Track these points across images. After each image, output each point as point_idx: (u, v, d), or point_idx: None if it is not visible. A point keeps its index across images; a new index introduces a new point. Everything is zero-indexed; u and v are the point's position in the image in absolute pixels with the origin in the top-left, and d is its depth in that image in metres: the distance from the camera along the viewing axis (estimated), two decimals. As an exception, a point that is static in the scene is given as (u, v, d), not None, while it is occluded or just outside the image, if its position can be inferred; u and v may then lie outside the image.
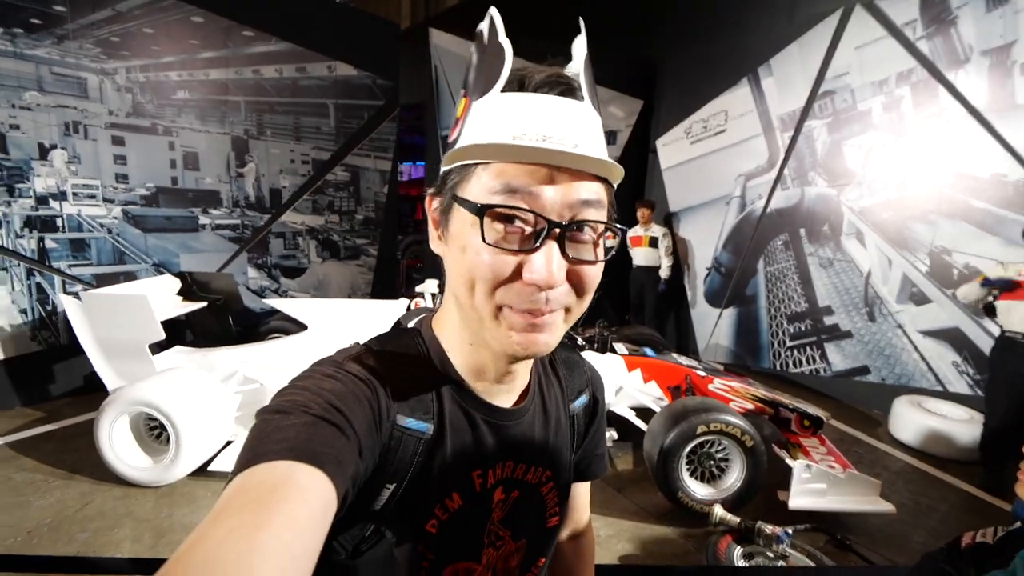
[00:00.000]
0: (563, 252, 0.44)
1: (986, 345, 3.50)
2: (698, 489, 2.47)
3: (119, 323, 2.73)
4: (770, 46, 4.70)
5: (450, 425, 0.52)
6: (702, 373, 3.05)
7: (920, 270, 3.84)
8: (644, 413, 2.85)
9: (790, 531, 1.89)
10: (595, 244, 0.47)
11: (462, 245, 0.46)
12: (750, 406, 2.95)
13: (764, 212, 4.92)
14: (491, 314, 0.46)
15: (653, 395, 3.00)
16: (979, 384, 3.58)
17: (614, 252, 0.49)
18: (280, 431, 0.39)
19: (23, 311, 3.26)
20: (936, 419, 3.38)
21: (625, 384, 2.95)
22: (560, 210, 0.44)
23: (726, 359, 5.30)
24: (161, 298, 3.18)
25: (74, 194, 3.32)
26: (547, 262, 0.43)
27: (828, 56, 4.31)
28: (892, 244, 3.99)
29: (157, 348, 2.85)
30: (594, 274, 0.48)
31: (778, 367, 4.84)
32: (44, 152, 3.20)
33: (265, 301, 3.96)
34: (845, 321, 4.34)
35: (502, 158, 0.43)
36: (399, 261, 7.33)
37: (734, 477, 2.48)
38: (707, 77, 5.38)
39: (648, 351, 3.24)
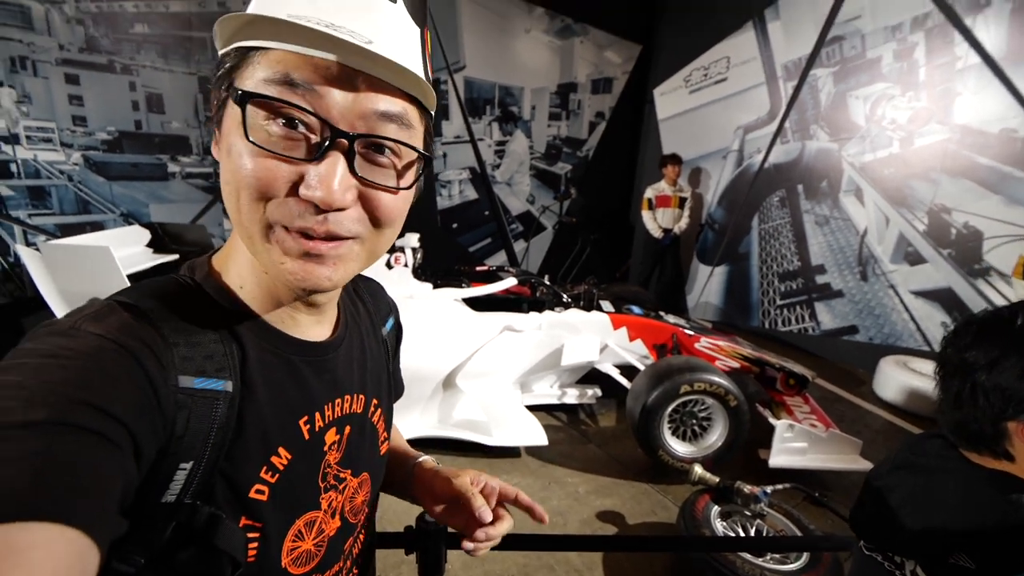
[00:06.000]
0: (352, 170, 0.38)
1: (977, 306, 3.46)
2: (679, 447, 2.46)
3: (82, 275, 2.59)
4: (779, -14, 4.39)
5: (259, 374, 0.44)
6: (689, 332, 3.00)
7: (917, 229, 3.74)
8: (629, 371, 2.82)
9: (768, 491, 1.87)
10: (397, 171, 0.41)
11: (229, 145, 0.38)
12: (736, 364, 2.92)
13: (762, 167, 4.76)
14: (260, 233, 0.39)
15: (638, 353, 2.96)
16: (966, 345, 3.56)
17: (420, 184, 0.44)
18: None
19: (-16, 263, 3.12)
20: (920, 378, 3.38)
21: (610, 342, 2.90)
22: (351, 119, 0.37)
23: (715, 317, 5.28)
24: (128, 250, 3.03)
25: (27, 137, 3.09)
26: (328, 176, 0.36)
27: (840, -2, 4.03)
28: (891, 202, 3.88)
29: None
30: (393, 204, 0.41)
31: (767, 326, 4.82)
32: (-10, 90, 2.96)
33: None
34: (837, 280, 4.28)
35: (272, 37, 0.36)
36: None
37: (716, 436, 2.47)
38: (710, 20, 5.06)
39: (635, 309, 3.17)
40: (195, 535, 0.39)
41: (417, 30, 0.41)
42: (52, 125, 3.18)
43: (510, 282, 2.90)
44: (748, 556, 1.60)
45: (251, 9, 0.37)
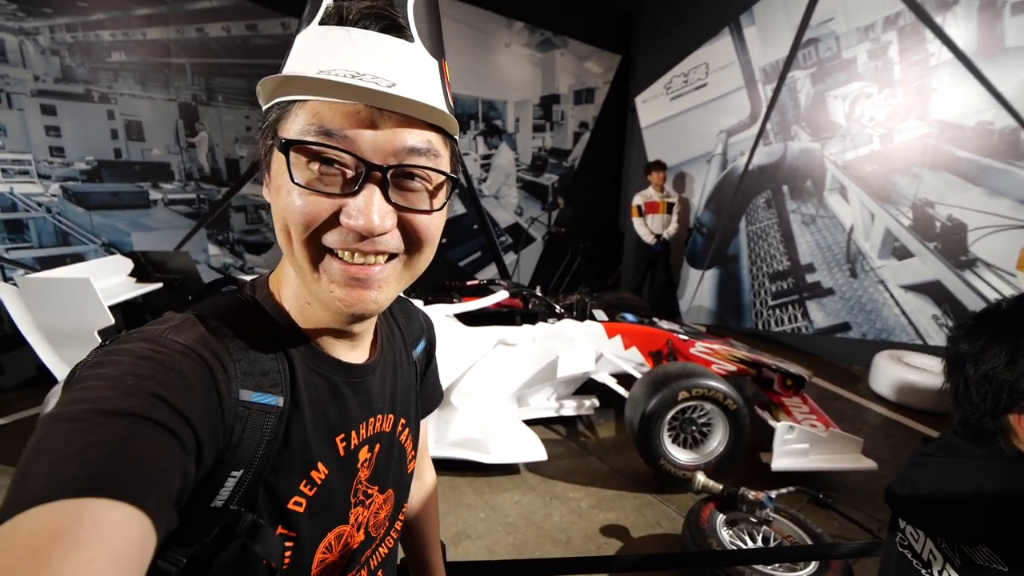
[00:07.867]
0: (388, 199, 0.42)
1: (966, 297, 3.48)
2: (680, 455, 2.43)
3: (62, 309, 2.53)
4: (752, -8, 4.47)
5: (306, 393, 0.47)
6: (684, 337, 2.98)
7: (903, 224, 3.77)
8: (626, 380, 2.78)
9: (773, 495, 1.84)
10: (429, 193, 0.45)
11: (278, 187, 0.43)
12: (732, 368, 2.90)
13: (746, 169, 4.80)
14: (309, 265, 0.43)
15: (634, 361, 2.93)
16: (958, 336, 3.57)
17: (449, 202, 0.47)
18: (66, 452, 0.30)
19: (-39, 300, 3.02)
20: (915, 372, 3.38)
21: (605, 351, 2.87)
22: (384, 156, 0.41)
23: (708, 321, 5.28)
24: (110, 280, 2.97)
25: (3, 171, 3.03)
26: (367, 206, 0.40)
27: (812, 1, 4.10)
28: (875, 198, 3.91)
29: (117, 332, 2.66)
30: (429, 223, 0.45)
31: (760, 327, 4.83)
32: (-37, 125, 2.90)
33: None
34: (827, 278, 4.30)
35: (306, 92, 0.40)
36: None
37: (716, 441, 2.44)
38: (687, 28, 5.14)
39: (629, 316, 3.15)
40: (237, 539, 0.41)
41: (435, 63, 0.44)
42: (29, 157, 3.12)
43: (502, 295, 2.87)
44: (757, 566, 1.56)
45: (287, 67, 0.42)
